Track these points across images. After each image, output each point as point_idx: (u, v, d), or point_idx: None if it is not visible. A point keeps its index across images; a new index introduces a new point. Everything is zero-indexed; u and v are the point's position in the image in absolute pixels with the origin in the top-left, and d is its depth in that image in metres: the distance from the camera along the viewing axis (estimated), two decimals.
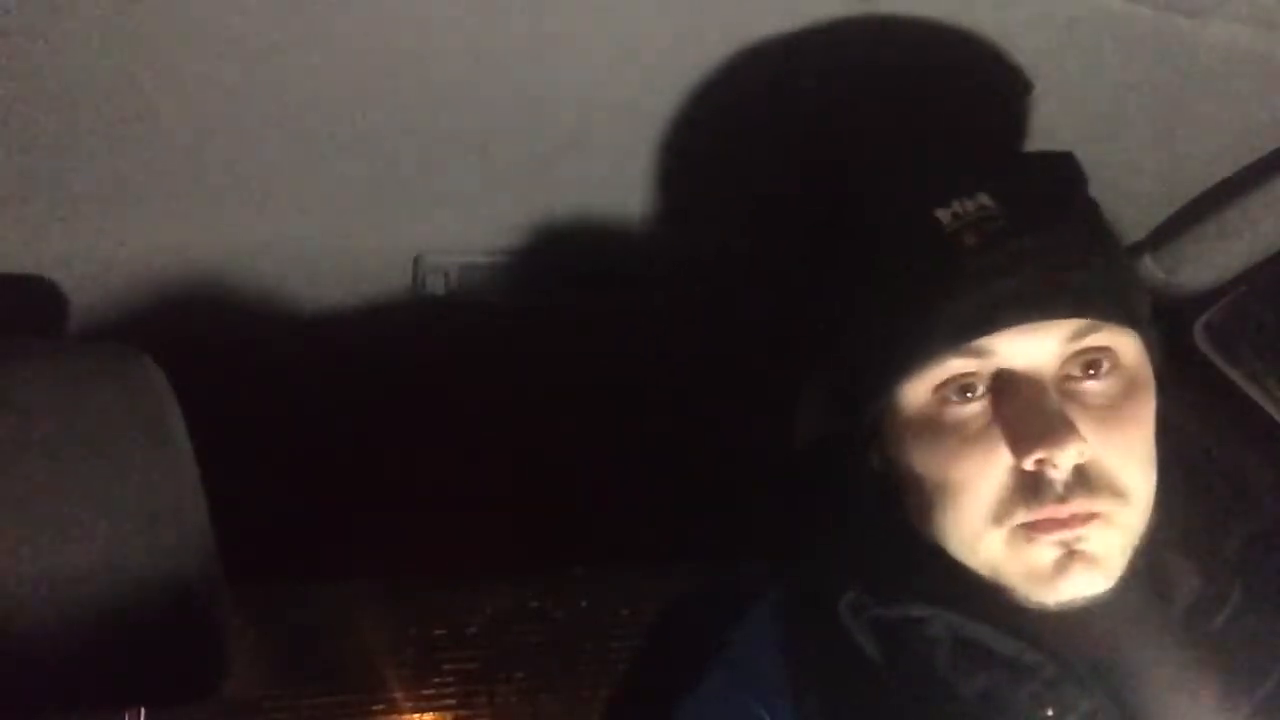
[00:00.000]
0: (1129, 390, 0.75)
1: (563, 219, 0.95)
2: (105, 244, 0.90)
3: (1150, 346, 0.78)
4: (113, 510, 0.72)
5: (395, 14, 0.69)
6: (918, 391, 0.76)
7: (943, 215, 0.75)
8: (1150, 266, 0.98)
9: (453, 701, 2.15)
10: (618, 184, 0.90)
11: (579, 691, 1.98)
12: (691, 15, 0.72)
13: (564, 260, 1.00)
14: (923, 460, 0.76)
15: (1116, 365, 0.75)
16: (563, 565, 1.71)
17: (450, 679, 2.15)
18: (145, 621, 0.72)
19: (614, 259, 0.99)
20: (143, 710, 0.88)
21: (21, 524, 0.70)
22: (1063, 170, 0.80)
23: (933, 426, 0.75)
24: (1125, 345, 0.75)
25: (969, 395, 0.74)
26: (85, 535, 0.71)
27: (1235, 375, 1.00)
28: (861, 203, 0.81)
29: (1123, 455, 0.74)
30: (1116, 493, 0.73)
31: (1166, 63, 0.77)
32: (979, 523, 0.74)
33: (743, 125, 0.83)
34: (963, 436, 0.74)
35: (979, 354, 0.74)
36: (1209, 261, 0.96)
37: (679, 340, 1.09)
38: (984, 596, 0.76)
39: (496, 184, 0.90)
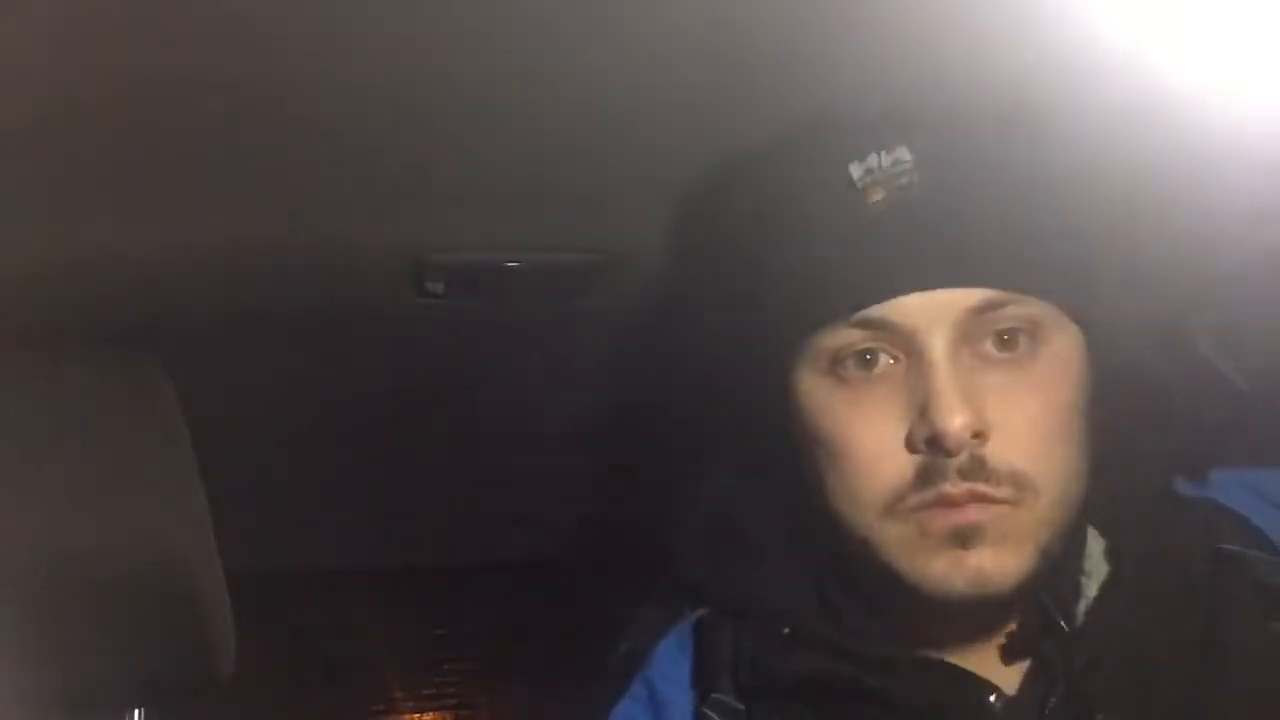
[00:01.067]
0: (1049, 370, 0.69)
1: (564, 218, 0.95)
2: (105, 244, 0.90)
3: (1087, 327, 0.71)
4: (112, 509, 0.73)
5: (395, 14, 0.69)
6: (813, 363, 0.70)
7: (856, 170, 0.69)
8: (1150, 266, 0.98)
9: (453, 701, 2.15)
10: (619, 183, 0.90)
11: (578, 692, 1.98)
12: (692, 13, 0.72)
13: (565, 260, 1.00)
14: (816, 439, 0.70)
15: (1038, 342, 0.68)
16: (563, 565, 1.71)
17: (450, 679, 2.15)
18: (144, 620, 0.73)
19: (615, 258, 0.99)
20: (140, 710, 0.88)
21: (21, 523, 0.70)
22: (1019, 131, 0.72)
23: (828, 400, 0.69)
24: (1051, 322, 0.69)
25: (868, 366, 0.68)
26: (84, 534, 0.71)
27: (1235, 375, 1.00)
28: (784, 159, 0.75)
29: (1031, 441, 0.67)
30: (1020, 484, 0.66)
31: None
32: (871, 513, 0.68)
33: (741, 120, 0.83)
34: (855, 413, 0.68)
35: (874, 325, 0.67)
36: (1208, 263, 0.96)
37: (681, 339, 1.09)
38: (903, 609, 0.71)
39: (496, 184, 0.90)
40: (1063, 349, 0.70)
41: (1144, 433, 0.77)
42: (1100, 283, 0.73)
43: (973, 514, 0.66)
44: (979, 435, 0.66)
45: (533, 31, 0.72)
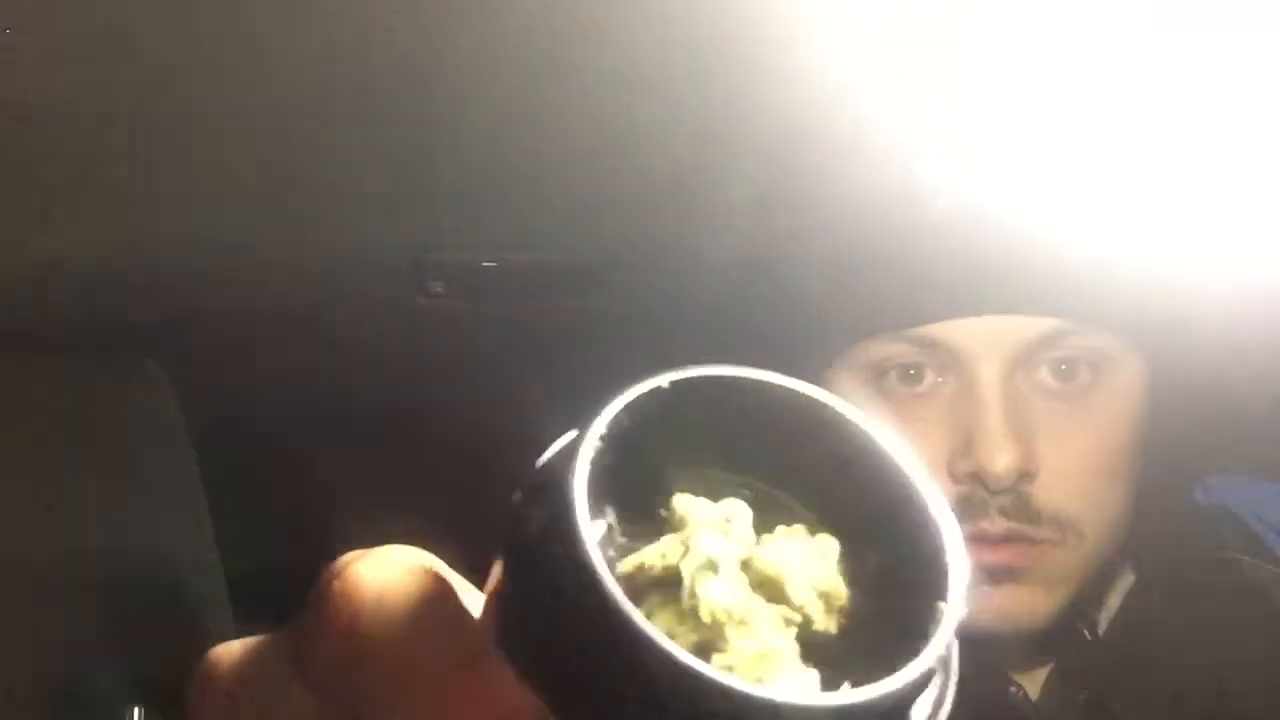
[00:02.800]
0: (1108, 405, 0.63)
1: (564, 218, 0.95)
2: (105, 244, 0.90)
3: (1153, 358, 0.66)
4: (113, 510, 0.72)
5: (396, 14, 0.69)
6: (853, 370, 0.65)
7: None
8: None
9: None
10: (618, 183, 0.90)
11: None
12: (692, 11, 0.72)
13: (565, 260, 1.00)
14: None
15: (1100, 374, 0.63)
16: None
17: None
18: (144, 620, 0.73)
19: (615, 258, 0.99)
20: (140, 709, 0.88)
21: (20, 523, 0.70)
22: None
23: (870, 411, 0.62)
24: (1115, 353, 0.64)
25: (912, 382, 0.63)
26: (84, 534, 0.71)
27: (1235, 374, 1.00)
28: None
29: (1081, 481, 0.62)
30: (1064, 525, 0.62)
31: None
32: None
33: (743, 118, 0.83)
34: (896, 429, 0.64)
35: (924, 343, 0.63)
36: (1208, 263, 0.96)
37: (683, 340, 1.09)
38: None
39: (497, 184, 0.90)
40: (1125, 382, 0.64)
41: (1162, 437, 0.72)
42: (1168, 310, 0.67)
43: (1008, 555, 0.62)
44: (1026, 475, 0.61)
45: (532, 31, 0.72)
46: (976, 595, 0.63)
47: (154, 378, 0.78)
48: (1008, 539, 0.61)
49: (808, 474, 0.25)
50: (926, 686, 0.23)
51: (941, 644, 0.22)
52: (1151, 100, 0.65)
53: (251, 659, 0.26)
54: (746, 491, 0.25)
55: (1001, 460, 0.60)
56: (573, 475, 0.22)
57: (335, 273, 0.98)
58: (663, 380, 0.26)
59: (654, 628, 0.20)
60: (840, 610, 0.23)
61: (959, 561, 0.23)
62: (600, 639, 0.20)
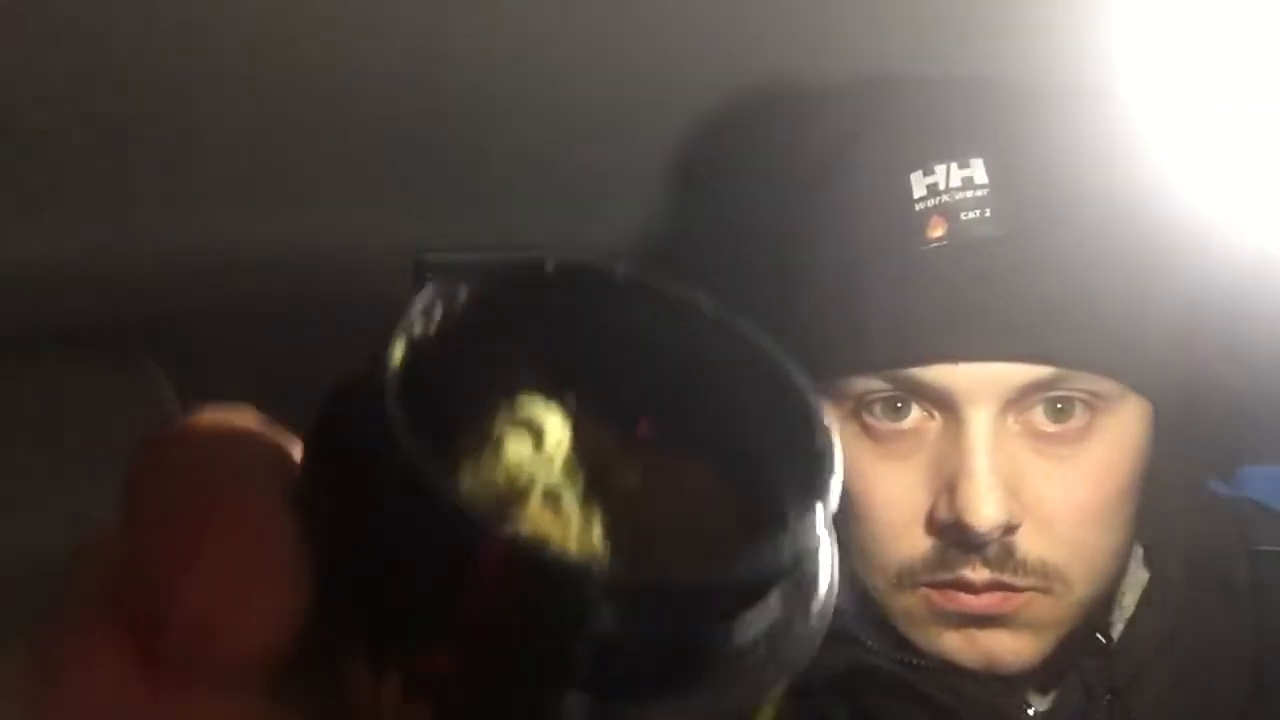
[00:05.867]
0: (1104, 448, 0.59)
1: (564, 218, 0.95)
2: (105, 244, 0.90)
3: (1154, 398, 0.61)
4: (112, 511, 0.73)
5: (396, 15, 0.69)
6: (836, 402, 0.61)
7: (917, 185, 0.58)
8: None
9: None
10: (618, 183, 0.90)
11: None
12: (695, 12, 0.72)
13: (566, 260, 1.00)
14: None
15: (1096, 413, 0.59)
16: None
17: None
18: None
19: (615, 258, 0.99)
20: None
21: (20, 525, 0.70)
22: (1115, 162, 0.60)
23: (851, 450, 0.60)
24: (1113, 394, 0.60)
25: (897, 416, 0.60)
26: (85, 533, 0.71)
27: (1234, 373, 1.00)
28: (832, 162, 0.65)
29: (1070, 530, 0.59)
30: (1050, 575, 0.59)
31: None
32: (883, 581, 0.62)
33: (746, 118, 0.83)
34: (879, 471, 0.60)
35: (909, 384, 0.59)
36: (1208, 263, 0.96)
37: None
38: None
39: (497, 183, 0.90)
40: (1122, 423, 0.60)
41: (1170, 432, 0.69)
42: (1167, 349, 0.63)
43: (991, 602, 0.59)
44: (1010, 528, 0.58)
45: (533, 31, 0.72)
46: (961, 638, 0.60)
47: (154, 377, 0.78)
48: (990, 587, 0.59)
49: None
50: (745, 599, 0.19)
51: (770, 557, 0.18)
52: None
53: None
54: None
55: (985, 515, 0.56)
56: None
57: (335, 273, 0.98)
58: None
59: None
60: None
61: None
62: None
